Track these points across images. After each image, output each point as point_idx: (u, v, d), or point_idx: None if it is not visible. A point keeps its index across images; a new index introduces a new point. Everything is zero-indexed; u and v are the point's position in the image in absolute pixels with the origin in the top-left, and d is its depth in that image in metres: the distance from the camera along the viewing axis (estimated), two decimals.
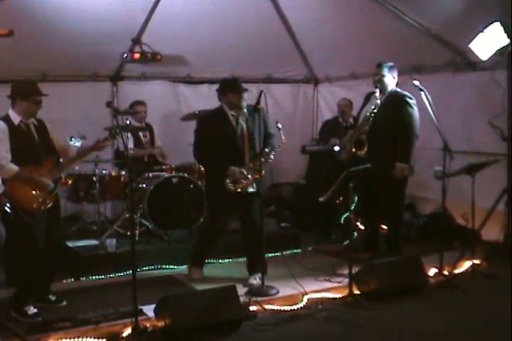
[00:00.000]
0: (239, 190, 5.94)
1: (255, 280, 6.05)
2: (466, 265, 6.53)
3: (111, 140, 5.40)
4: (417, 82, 6.10)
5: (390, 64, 6.56)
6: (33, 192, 5.06)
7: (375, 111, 6.50)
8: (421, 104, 6.17)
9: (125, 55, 7.80)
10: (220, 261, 6.90)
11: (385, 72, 6.53)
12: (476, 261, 6.57)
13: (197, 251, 6.46)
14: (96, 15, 6.97)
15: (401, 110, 6.43)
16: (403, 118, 6.41)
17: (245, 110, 6.00)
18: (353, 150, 6.57)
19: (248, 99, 6.06)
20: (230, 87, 6.02)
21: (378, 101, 6.50)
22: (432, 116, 6.05)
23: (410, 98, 6.45)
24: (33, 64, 7.53)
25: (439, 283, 6.03)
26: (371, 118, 6.54)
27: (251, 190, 6.05)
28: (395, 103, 6.47)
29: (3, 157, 4.93)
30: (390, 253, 6.58)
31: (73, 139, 5.49)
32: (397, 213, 6.78)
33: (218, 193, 6.05)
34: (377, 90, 6.52)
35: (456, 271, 6.38)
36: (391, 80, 6.55)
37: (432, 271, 6.26)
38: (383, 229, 7.17)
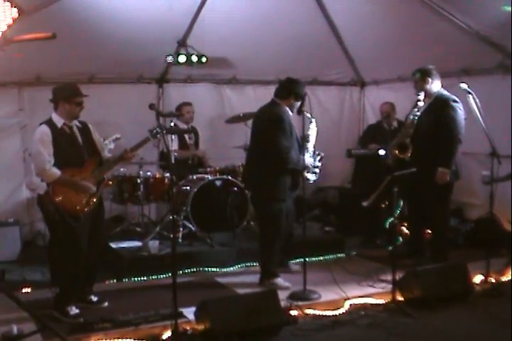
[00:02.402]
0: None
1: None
2: None
3: (151, 139, 5.42)
4: (464, 85, 5.96)
5: (426, 68, 6.48)
6: (76, 195, 5.12)
7: (418, 113, 6.41)
8: (468, 107, 6.03)
9: (171, 57, 7.83)
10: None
11: (418, 78, 6.48)
12: None
13: (270, 259, 6.24)
14: (142, 18, 7.01)
15: (444, 114, 6.30)
16: (445, 122, 6.28)
17: None
18: (397, 153, 6.48)
19: None
20: (302, 94, 6.05)
21: (420, 104, 6.39)
22: (480, 119, 5.91)
23: (455, 101, 6.32)
24: (81, 67, 7.63)
25: (485, 291, 5.90)
26: (415, 122, 6.45)
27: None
28: (438, 106, 6.36)
29: (46, 161, 5.01)
30: (436, 259, 6.46)
31: (106, 141, 5.55)
32: (443, 218, 6.64)
33: (287, 186, 6.14)
34: (421, 93, 6.41)
35: (503, 279, 6.24)
36: (429, 84, 6.44)
37: (478, 278, 6.12)
38: (429, 234, 7.04)
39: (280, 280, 6.15)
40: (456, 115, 6.26)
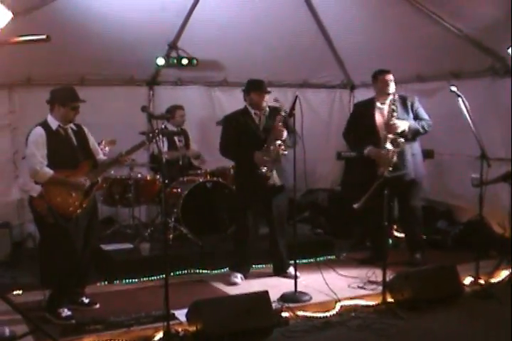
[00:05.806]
0: (271, 182, 6.21)
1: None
2: (503, 274, 6.40)
3: (147, 144, 5.43)
4: (454, 88, 6.02)
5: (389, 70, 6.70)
6: (69, 196, 5.11)
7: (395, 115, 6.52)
8: (458, 110, 6.07)
9: (162, 59, 7.85)
10: (253, 266, 6.79)
11: (391, 80, 6.69)
12: None
13: (235, 256, 6.54)
14: (133, 20, 7.02)
15: (415, 108, 6.68)
16: (421, 114, 6.65)
17: (267, 109, 6.36)
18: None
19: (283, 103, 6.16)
20: (254, 87, 6.35)
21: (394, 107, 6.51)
22: (469, 122, 5.95)
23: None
24: (72, 68, 7.62)
25: (474, 293, 5.92)
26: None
27: (278, 183, 6.29)
28: (411, 104, 6.68)
29: (38, 162, 5.00)
30: (414, 249, 6.69)
31: (101, 145, 5.55)
32: (417, 214, 6.87)
33: (247, 184, 6.33)
34: (393, 96, 6.58)
35: (493, 281, 6.27)
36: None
37: (468, 280, 6.15)
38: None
39: (234, 277, 6.38)
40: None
